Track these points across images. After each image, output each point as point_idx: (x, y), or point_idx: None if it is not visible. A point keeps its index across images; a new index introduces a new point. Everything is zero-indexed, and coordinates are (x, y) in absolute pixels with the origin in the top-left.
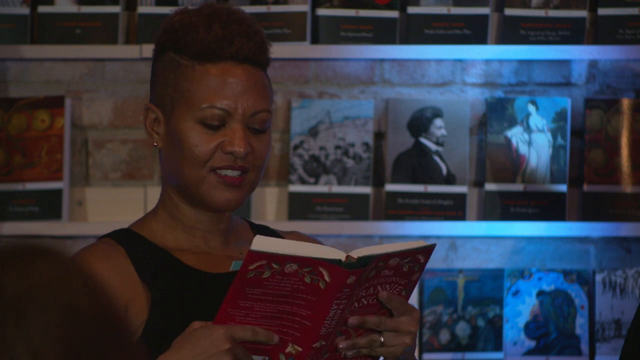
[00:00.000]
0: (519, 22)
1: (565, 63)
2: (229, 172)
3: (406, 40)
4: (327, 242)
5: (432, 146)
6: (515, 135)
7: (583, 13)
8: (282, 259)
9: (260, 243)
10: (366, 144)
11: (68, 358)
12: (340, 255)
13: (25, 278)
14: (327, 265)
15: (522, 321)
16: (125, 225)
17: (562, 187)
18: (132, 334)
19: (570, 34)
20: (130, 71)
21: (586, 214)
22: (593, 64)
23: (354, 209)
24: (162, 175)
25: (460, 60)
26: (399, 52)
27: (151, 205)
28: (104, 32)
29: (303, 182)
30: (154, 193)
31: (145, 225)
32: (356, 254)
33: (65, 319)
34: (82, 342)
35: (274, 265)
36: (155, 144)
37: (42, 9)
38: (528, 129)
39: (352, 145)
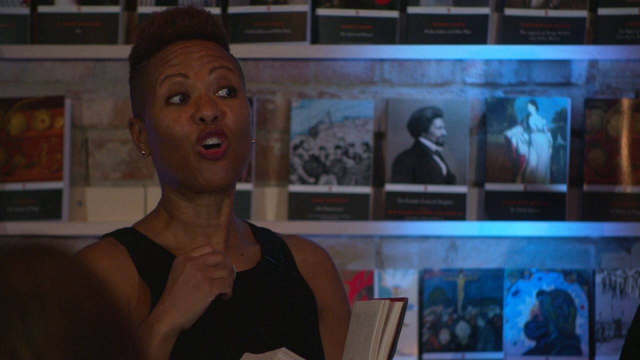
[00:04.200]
0: (519, 22)
1: (565, 63)
2: (209, 141)
3: (406, 40)
4: (327, 242)
5: (432, 146)
6: (515, 135)
7: (583, 13)
8: None
9: None
10: (366, 144)
11: (71, 358)
12: None
13: (30, 277)
14: None
15: (522, 321)
16: (126, 225)
17: (562, 187)
18: (135, 333)
19: (570, 34)
20: None
21: (586, 214)
22: (593, 64)
23: (354, 209)
24: (159, 178)
25: (460, 60)
26: (399, 52)
27: (151, 205)
28: (104, 32)
29: (303, 182)
30: (154, 193)
31: (148, 224)
32: None
33: (69, 318)
34: (85, 342)
35: None
36: (143, 152)
37: (42, 9)
38: (528, 129)
39: (352, 145)
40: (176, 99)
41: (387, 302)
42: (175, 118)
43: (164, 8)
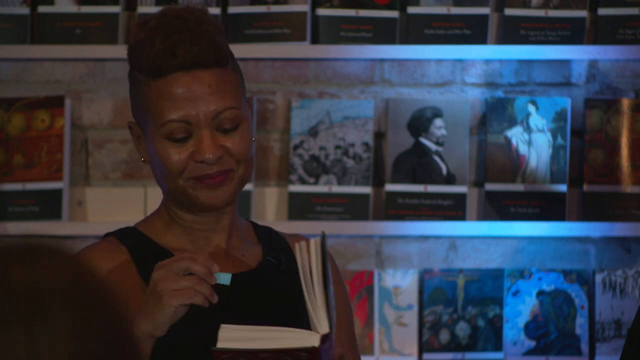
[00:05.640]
0: (519, 22)
1: (565, 63)
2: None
3: (406, 40)
4: (327, 242)
5: (432, 146)
6: (515, 135)
7: (583, 13)
8: (252, 353)
9: (227, 337)
10: (366, 144)
11: (75, 357)
12: (314, 341)
13: (31, 278)
14: (303, 350)
15: (522, 321)
16: (127, 225)
17: (562, 187)
18: (132, 331)
19: (570, 34)
20: None
21: (586, 214)
22: (593, 64)
23: (354, 209)
24: None
25: (460, 60)
26: (399, 52)
27: (151, 205)
28: (104, 32)
29: (303, 182)
30: (154, 193)
31: (150, 224)
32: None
33: (71, 318)
34: (88, 340)
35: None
36: (142, 159)
37: (42, 9)
38: (528, 129)
39: (352, 145)
40: (177, 138)
41: (303, 242)
42: (174, 154)
43: (160, 8)
